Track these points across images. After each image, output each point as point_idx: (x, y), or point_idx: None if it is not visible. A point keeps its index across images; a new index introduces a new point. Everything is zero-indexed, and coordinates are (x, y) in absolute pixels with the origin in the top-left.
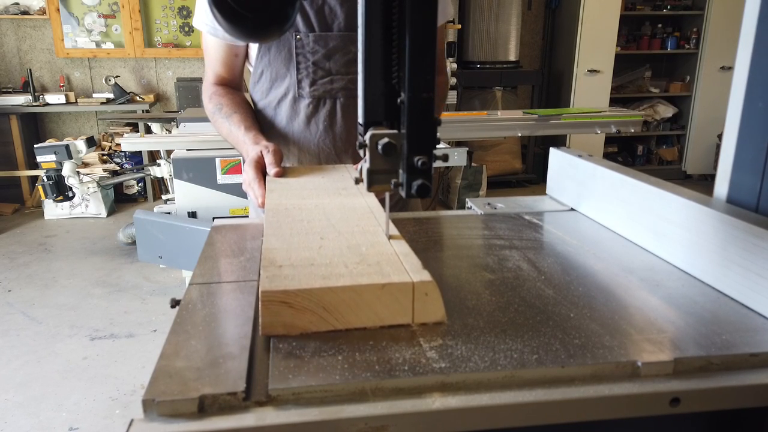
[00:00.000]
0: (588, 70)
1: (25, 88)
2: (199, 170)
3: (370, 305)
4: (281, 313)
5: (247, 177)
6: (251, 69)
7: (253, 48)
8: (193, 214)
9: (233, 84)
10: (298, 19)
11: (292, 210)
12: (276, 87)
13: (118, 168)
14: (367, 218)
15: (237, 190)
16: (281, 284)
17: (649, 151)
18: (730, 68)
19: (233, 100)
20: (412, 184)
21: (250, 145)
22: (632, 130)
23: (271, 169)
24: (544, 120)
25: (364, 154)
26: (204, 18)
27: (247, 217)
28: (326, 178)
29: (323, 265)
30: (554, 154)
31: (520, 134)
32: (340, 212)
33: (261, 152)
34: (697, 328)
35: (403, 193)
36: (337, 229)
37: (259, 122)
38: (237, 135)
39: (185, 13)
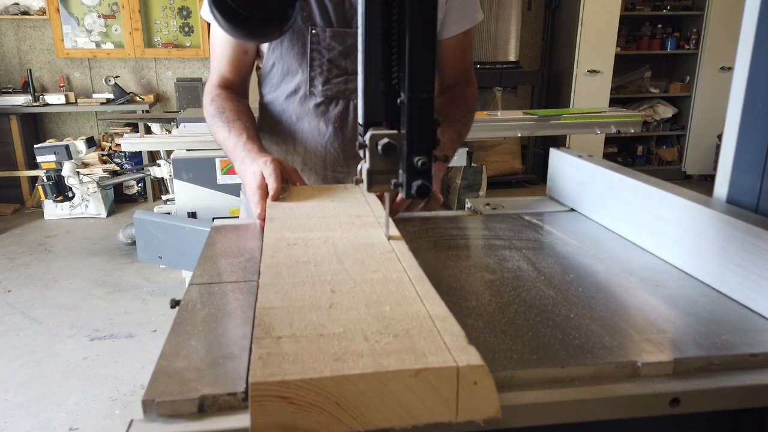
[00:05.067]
0: (588, 71)
1: (25, 88)
2: (198, 170)
3: (398, 398)
4: (277, 411)
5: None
6: (261, 65)
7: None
8: (192, 215)
9: (238, 89)
10: (315, 13)
11: (295, 247)
12: (287, 81)
13: (118, 168)
14: (389, 259)
15: (237, 190)
16: (278, 371)
17: (649, 152)
18: (730, 68)
19: (237, 106)
20: (412, 185)
21: (251, 162)
22: (632, 131)
23: (271, 184)
24: (544, 120)
25: (364, 155)
26: None
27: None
28: (337, 201)
29: (335, 336)
30: (554, 154)
31: (519, 134)
32: (354, 250)
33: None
34: (696, 329)
35: (402, 193)
36: (351, 277)
37: (266, 117)
38: (236, 144)
39: (185, 13)
